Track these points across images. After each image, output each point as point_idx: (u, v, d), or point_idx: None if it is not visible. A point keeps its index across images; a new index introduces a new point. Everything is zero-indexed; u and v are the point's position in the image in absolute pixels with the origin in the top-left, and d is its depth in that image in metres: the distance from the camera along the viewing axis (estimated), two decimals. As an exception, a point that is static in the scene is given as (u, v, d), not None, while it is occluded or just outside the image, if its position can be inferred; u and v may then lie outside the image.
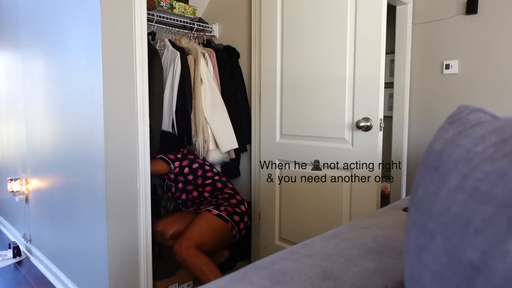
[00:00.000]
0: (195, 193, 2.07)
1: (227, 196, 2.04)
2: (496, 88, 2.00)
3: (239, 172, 2.42)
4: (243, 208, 2.03)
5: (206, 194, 2.07)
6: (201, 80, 2.14)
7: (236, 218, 1.95)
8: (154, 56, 1.99)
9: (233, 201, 2.01)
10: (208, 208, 1.93)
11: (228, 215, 1.92)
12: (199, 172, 2.06)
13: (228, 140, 2.21)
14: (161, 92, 2.07)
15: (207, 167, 2.10)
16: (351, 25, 1.78)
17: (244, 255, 2.33)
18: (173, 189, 2.10)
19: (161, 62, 2.06)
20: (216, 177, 2.10)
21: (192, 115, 2.14)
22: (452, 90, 2.17)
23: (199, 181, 2.05)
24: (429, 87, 2.27)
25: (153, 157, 1.87)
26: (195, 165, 2.06)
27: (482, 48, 2.03)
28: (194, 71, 2.15)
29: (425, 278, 0.38)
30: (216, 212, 1.90)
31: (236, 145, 2.24)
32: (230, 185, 2.12)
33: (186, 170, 2.02)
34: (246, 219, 2.03)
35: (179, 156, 2.03)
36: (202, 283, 1.69)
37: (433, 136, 0.49)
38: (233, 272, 0.76)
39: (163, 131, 2.14)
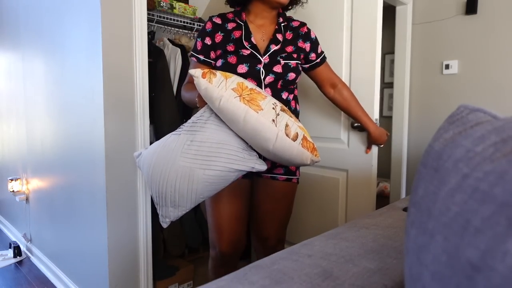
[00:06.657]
0: None
1: None
2: (496, 88, 2.00)
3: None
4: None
5: None
6: None
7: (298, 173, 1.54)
8: (159, 56, 2.00)
9: None
10: (291, 177, 1.49)
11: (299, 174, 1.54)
12: None
13: None
14: (171, 88, 2.06)
15: None
16: (347, 25, 1.78)
17: (244, 255, 2.32)
18: None
19: (166, 61, 2.07)
20: None
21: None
22: (452, 90, 2.17)
23: None
24: (429, 87, 2.27)
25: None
26: None
27: (482, 48, 2.03)
28: None
29: (425, 278, 0.38)
30: (297, 176, 1.51)
31: None
32: None
33: None
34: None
35: None
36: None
37: (433, 136, 0.49)
38: (233, 272, 0.76)
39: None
